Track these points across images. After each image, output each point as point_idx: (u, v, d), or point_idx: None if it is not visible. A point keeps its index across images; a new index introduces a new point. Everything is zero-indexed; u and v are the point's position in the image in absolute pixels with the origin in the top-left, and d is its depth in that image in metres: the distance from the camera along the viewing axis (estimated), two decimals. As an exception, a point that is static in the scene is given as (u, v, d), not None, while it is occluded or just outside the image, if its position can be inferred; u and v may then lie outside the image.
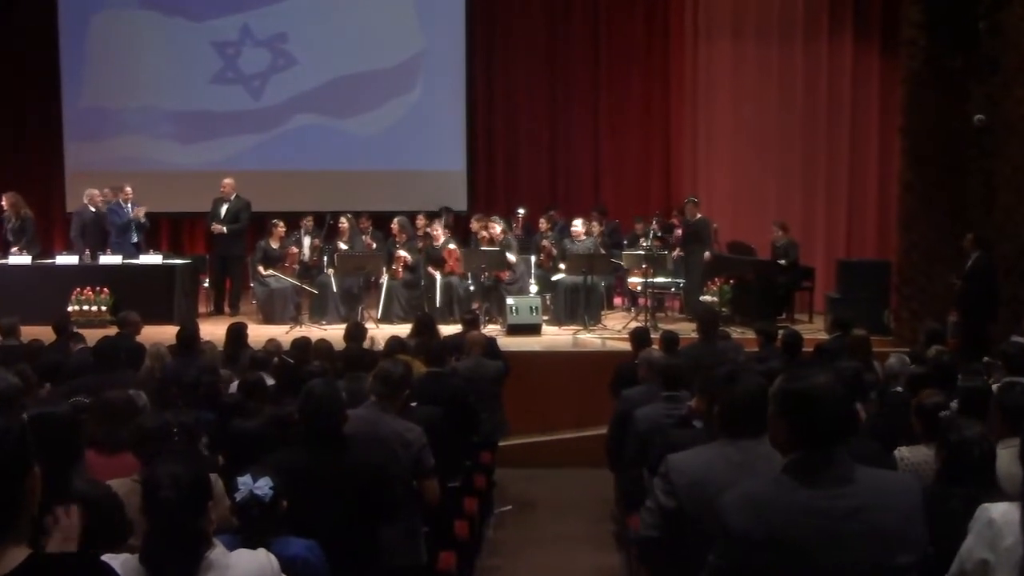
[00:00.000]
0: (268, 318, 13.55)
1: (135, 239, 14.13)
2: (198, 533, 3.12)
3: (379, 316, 13.51)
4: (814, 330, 12.55)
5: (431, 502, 5.59)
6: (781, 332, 9.50)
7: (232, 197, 14.42)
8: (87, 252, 13.91)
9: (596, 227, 14.53)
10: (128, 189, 14.21)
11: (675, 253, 14.26)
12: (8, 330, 9.80)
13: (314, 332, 11.71)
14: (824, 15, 15.14)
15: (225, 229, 14.20)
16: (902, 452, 5.24)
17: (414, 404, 6.28)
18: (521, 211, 15.30)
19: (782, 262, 13.65)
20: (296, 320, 13.35)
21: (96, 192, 14.29)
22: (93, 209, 14.23)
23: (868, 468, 3.03)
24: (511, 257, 13.74)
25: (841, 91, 15.25)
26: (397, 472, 5.02)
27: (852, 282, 13.42)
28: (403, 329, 11.22)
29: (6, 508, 2.22)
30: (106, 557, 2.91)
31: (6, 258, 13.66)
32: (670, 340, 9.06)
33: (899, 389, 7.22)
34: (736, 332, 11.62)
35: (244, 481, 3.71)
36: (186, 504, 3.09)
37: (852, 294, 13.13)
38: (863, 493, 2.90)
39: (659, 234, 14.22)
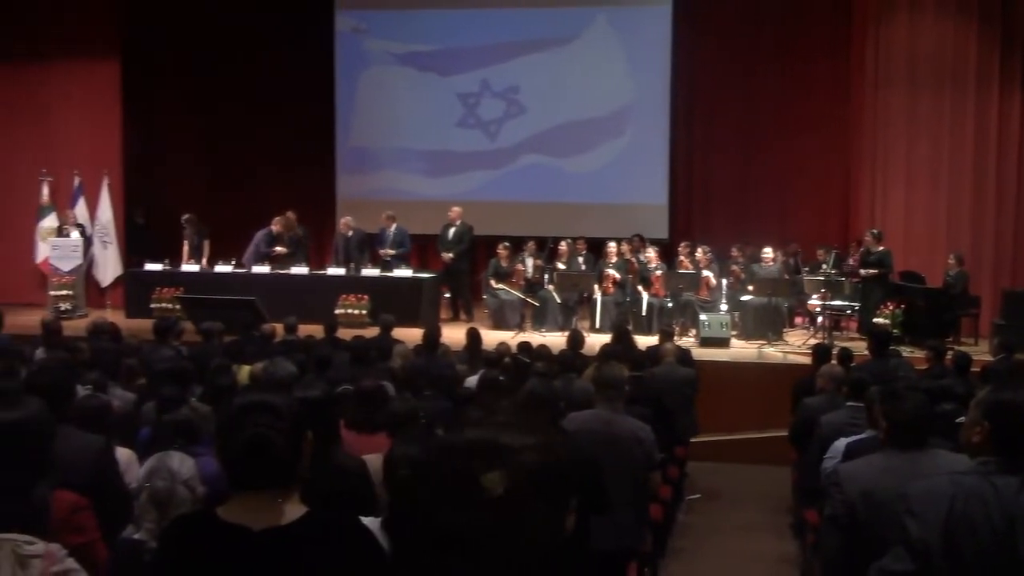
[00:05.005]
0: (497, 325, 13.78)
1: (390, 257, 14.67)
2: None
3: (596, 326, 13.50)
4: (979, 352, 11.86)
5: (655, 491, 5.67)
6: (951, 352, 9.10)
7: (457, 223, 14.76)
8: (352, 266, 14.43)
9: (780, 256, 14.30)
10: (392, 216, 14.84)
11: (851, 280, 13.78)
12: (290, 327, 10.33)
13: (535, 338, 11.83)
14: (995, 66, 14.34)
15: (453, 255, 14.52)
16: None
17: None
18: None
19: (952, 292, 12.97)
20: (521, 327, 13.52)
21: (345, 221, 15.06)
22: (348, 234, 14.87)
23: None
24: (712, 280, 13.66)
25: (1010, 134, 14.39)
26: (615, 465, 4.94)
27: (1017, 310, 12.59)
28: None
29: (292, 463, 2.41)
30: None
31: (287, 269, 14.30)
32: (846, 355, 8.99)
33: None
34: (906, 352, 11.12)
35: None
36: None
37: (1017, 321, 12.36)
38: None
39: (837, 263, 13.84)
